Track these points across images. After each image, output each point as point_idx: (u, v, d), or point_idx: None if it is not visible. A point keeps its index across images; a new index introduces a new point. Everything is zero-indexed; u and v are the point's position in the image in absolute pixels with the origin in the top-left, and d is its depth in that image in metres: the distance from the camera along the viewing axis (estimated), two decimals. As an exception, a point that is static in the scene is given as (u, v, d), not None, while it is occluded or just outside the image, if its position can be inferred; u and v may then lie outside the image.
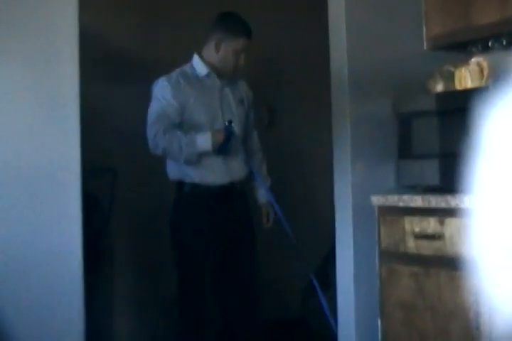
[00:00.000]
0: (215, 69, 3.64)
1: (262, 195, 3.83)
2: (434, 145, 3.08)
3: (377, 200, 3.07)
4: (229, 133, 3.45)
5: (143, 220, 4.57)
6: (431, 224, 2.84)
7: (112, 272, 4.34)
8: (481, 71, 3.26)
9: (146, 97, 3.58)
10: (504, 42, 3.21)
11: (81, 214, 3.02)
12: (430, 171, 3.06)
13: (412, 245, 2.92)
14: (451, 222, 2.76)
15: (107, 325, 4.30)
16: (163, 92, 3.56)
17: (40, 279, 2.93)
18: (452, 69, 3.33)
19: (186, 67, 3.67)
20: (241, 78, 3.81)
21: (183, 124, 3.55)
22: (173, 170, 3.61)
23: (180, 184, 3.60)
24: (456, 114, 2.98)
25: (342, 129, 3.27)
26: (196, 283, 3.60)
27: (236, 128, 3.60)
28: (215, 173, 3.55)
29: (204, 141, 3.46)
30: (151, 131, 3.48)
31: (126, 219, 4.56)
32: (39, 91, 2.96)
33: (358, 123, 3.25)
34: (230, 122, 3.48)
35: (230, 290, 3.72)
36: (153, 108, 3.54)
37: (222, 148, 3.47)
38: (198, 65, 3.66)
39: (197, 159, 3.50)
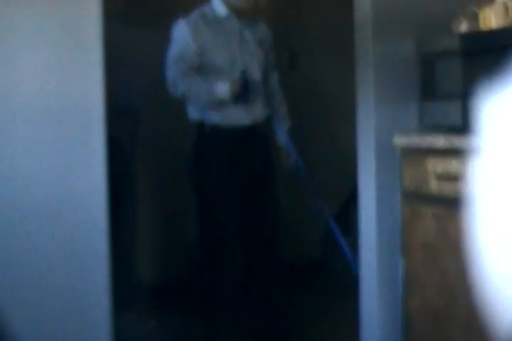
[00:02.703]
0: (234, 10, 3.61)
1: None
2: (457, 85, 3.06)
3: (399, 141, 3.06)
4: (243, 83, 3.44)
5: (165, 162, 4.60)
6: (453, 165, 2.83)
7: (135, 213, 4.39)
8: (506, 11, 3.21)
9: (168, 40, 3.58)
10: (530, -18, 3.16)
11: (105, 158, 3.03)
12: (453, 112, 3.04)
13: (434, 186, 2.92)
14: (473, 163, 2.75)
15: (130, 267, 4.35)
16: (182, 34, 3.55)
17: (63, 223, 2.95)
18: (477, 9, 3.28)
19: (206, 9, 3.65)
20: (261, 20, 3.79)
21: (202, 66, 3.54)
22: (194, 112, 3.62)
23: (200, 125, 3.61)
24: (479, 55, 2.95)
25: (365, 69, 3.25)
26: (217, 224, 3.64)
27: (254, 71, 3.59)
28: (235, 114, 3.55)
29: (223, 89, 3.45)
30: (170, 74, 3.49)
31: (149, 161, 4.59)
32: (62, 33, 2.94)
33: (381, 63, 3.23)
34: (244, 72, 3.47)
35: (250, 232, 3.75)
36: (173, 50, 3.54)
37: (240, 98, 3.46)
38: (218, 6, 3.63)
39: (216, 105, 3.51)
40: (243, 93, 3.46)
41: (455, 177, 2.81)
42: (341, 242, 3.53)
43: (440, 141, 2.88)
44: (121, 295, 3.37)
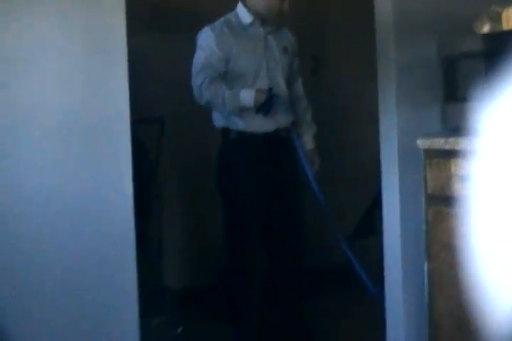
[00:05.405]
0: (259, 17, 3.64)
1: (307, 142, 3.83)
2: (480, 87, 3.05)
3: (423, 143, 3.04)
4: (269, 98, 3.45)
5: (191, 169, 4.63)
6: (477, 167, 2.82)
7: (161, 220, 4.41)
8: (529, 11, 3.20)
9: (193, 47, 3.60)
10: (553, -19, 3.14)
11: (131, 165, 3.05)
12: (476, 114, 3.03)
13: (458, 188, 2.90)
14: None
15: (157, 273, 4.37)
16: (207, 42, 3.57)
17: (90, 230, 2.97)
18: (500, 9, 3.26)
19: (231, 16, 3.68)
20: (285, 26, 3.80)
21: (227, 73, 3.56)
22: (219, 118, 3.64)
23: (225, 131, 3.63)
24: (502, 55, 2.94)
25: (387, 73, 3.25)
26: (243, 229, 3.65)
27: (279, 78, 3.62)
28: (260, 120, 3.56)
29: (247, 97, 3.46)
30: (195, 81, 3.51)
31: (174, 168, 4.61)
32: (87, 42, 2.97)
33: (403, 66, 3.22)
34: (270, 89, 3.49)
35: (275, 237, 3.76)
36: (198, 58, 3.57)
37: (262, 110, 3.47)
38: (243, 13, 3.66)
39: (240, 112, 3.52)
40: (267, 106, 3.46)
41: (479, 179, 2.79)
42: (356, 268, 3.52)
43: (463, 143, 2.87)
44: (149, 301, 3.39)
